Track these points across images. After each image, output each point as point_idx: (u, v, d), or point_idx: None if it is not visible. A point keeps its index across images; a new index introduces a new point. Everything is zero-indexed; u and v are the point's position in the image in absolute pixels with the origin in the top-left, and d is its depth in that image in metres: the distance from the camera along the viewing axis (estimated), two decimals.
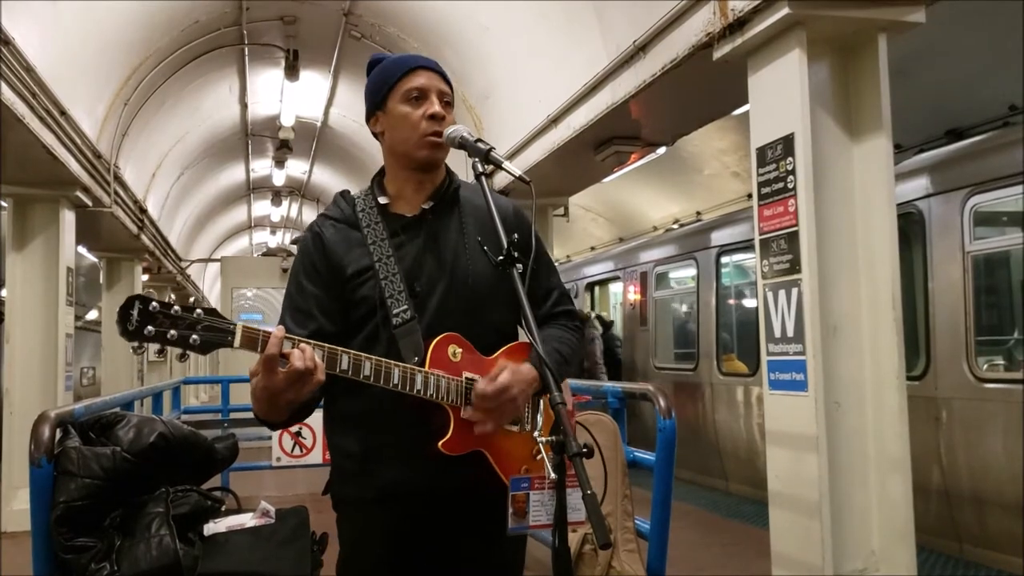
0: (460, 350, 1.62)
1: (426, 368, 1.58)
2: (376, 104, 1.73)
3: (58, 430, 2.60)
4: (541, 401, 1.68)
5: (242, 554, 2.60)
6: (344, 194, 1.79)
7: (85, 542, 2.49)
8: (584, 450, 1.34)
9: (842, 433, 3.27)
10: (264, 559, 2.61)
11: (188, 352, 1.48)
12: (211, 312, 1.45)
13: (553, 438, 1.43)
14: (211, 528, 2.67)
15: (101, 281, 10.79)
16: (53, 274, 6.37)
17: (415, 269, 1.66)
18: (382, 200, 1.73)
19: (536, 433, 1.50)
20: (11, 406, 6.17)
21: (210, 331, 1.43)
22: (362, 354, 1.54)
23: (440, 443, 1.57)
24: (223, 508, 2.83)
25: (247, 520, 2.73)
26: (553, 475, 1.43)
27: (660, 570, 2.91)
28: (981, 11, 5.18)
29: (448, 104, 1.70)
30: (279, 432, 6.21)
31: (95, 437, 2.74)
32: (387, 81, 1.71)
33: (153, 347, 1.47)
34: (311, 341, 1.49)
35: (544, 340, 1.65)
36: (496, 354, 1.68)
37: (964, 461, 4.81)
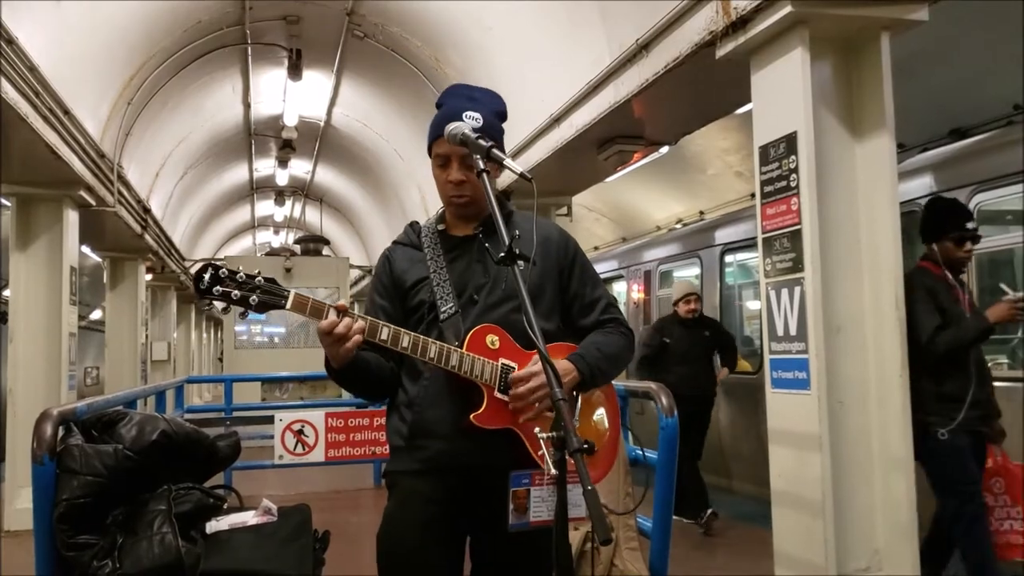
0: (498, 339, 1.80)
1: (463, 350, 1.75)
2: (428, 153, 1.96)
3: (60, 428, 2.60)
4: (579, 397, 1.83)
5: (244, 552, 2.59)
6: (413, 224, 2.09)
7: (87, 540, 2.49)
8: (585, 446, 1.34)
9: (845, 432, 3.27)
10: (266, 557, 2.60)
11: (248, 311, 1.72)
12: (270, 280, 1.72)
13: (553, 434, 1.43)
14: (213, 526, 2.66)
15: (105, 281, 10.80)
16: (57, 274, 6.38)
17: (464, 277, 1.91)
18: (440, 227, 2.00)
19: (536, 429, 1.50)
20: (15, 405, 6.17)
21: (267, 294, 1.70)
22: (402, 329, 1.76)
23: (473, 415, 1.70)
24: (225, 506, 2.82)
25: (249, 518, 2.72)
26: (554, 471, 1.43)
27: (662, 569, 2.90)
28: (984, 10, 5.16)
29: (468, 165, 1.84)
30: (282, 430, 6.23)
31: (97, 435, 2.73)
32: (429, 139, 1.94)
33: (220, 305, 1.75)
34: (364, 316, 1.77)
35: (587, 342, 1.91)
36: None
37: None
